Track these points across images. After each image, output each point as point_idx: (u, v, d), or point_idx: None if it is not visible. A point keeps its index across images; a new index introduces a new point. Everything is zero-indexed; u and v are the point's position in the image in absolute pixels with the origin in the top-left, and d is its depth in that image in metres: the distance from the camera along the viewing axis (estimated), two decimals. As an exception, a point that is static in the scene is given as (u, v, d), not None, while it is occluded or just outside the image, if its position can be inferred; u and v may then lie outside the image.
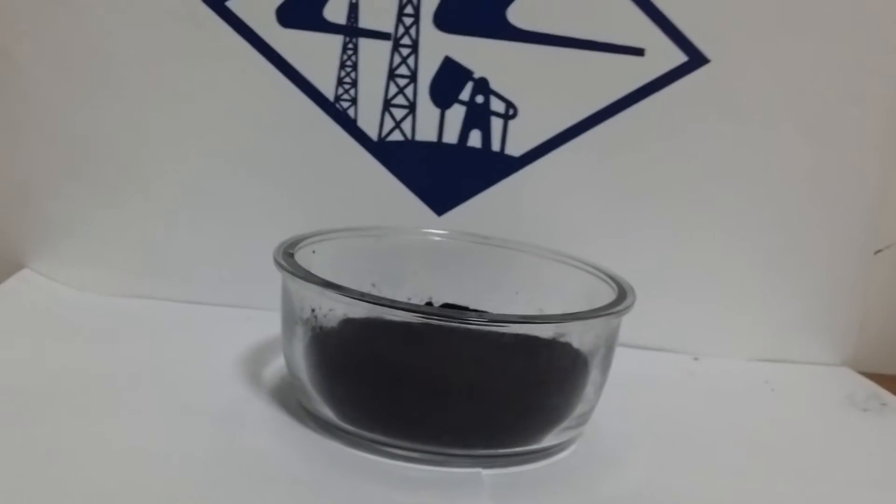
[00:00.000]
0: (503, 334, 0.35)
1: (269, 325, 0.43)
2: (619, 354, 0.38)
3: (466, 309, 0.41)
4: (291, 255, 0.37)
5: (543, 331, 0.35)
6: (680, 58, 0.46)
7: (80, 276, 0.48)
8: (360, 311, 0.35)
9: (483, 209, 0.48)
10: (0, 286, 0.46)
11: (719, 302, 0.49)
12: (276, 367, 0.41)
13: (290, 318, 0.37)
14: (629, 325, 0.38)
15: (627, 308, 0.36)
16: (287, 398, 0.38)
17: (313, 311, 0.36)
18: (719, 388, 0.46)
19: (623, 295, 0.38)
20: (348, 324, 0.35)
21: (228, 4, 0.45)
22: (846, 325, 0.50)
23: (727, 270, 0.49)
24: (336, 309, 0.35)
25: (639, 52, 0.46)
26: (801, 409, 0.44)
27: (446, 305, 0.42)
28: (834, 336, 0.50)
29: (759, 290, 0.49)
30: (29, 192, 0.48)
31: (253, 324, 0.45)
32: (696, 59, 0.46)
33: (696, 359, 0.49)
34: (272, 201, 0.47)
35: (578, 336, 0.36)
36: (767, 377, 0.47)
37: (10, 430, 0.33)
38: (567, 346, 0.35)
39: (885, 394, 0.46)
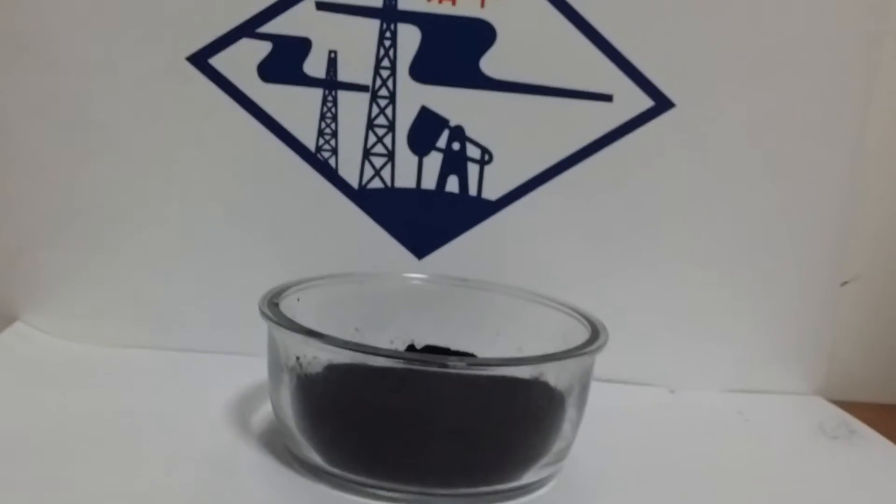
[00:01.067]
0: (481, 376, 0.36)
1: (258, 370, 0.44)
2: (598, 389, 0.40)
3: (447, 351, 0.43)
4: (276, 305, 0.39)
5: (521, 372, 0.36)
6: (647, 102, 0.48)
7: (72, 328, 0.49)
8: (344, 357, 0.36)
9: (462, 252, 0.49)
10: (-7, 339, 0.48)
11: (694, 335, 0.51)
12: (264, 412, 0.42)
13: (276, 365, 0.38)
14: (607, 360, 0.39)
15: (600, 347, 0.38)
16: (275, 443, 0.39)
17: (298, 358, 0.37)
18: (694, 420, 0.47)
19: (596, 334, 0.39)
20: (332, 370, 0.37)
21: (212, 62, 0.47)
22: (816, 355, 0.51)
23: (700, 305, 0.50)
24: (320, 356, 0.36)
25: (607, 98, 0.48)
26: (773, 438, 0.46)
27: (428, 348, 0.44)
28: (805, 366, 0.51)
29: (732, 323, 0.51)
30: (21, 247, 0.49)
31: (242, 369, 0.46)
32: (662, 104, 0.48)
33: (672, 391, 0.50)
34: (258, 250, 0.49)
35: (555, 375, 0.37)
36: (741, 407, 0.49)
37: (8, 477, 0.34)
38: (544, 385, 0.37)
39: (853, 421, 0.48)
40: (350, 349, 0.35)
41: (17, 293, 0.49)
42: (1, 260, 0.49)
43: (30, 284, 0.49)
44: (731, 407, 0.49)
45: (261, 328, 0.40)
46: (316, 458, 0.37)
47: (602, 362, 0.39)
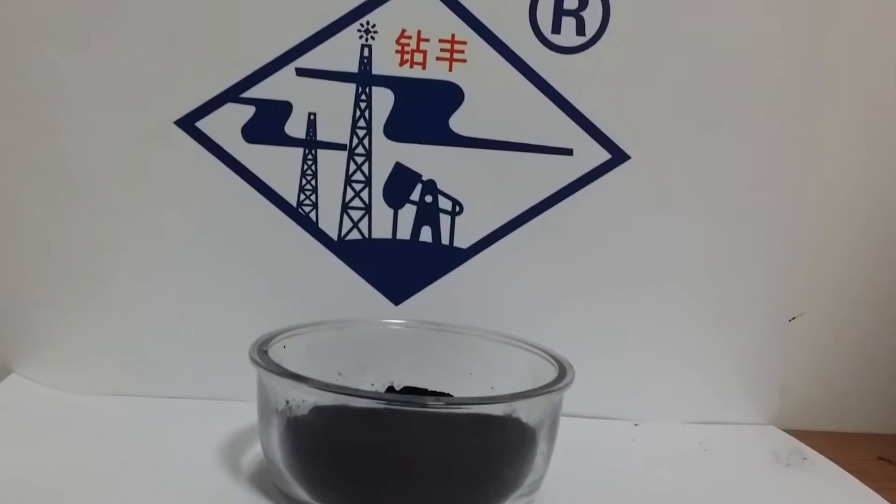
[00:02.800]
0: (458, 415, 0.39)
1: (246, 415, 0.46)
2: (568, 424, 0.42)
3: (425, 392, 0.45)
4: (265, 352, 0.41)
5: (494, 409, 0.39)
6: (604, 155, 0.52)
7: (65, 378, 0.51)
8: (329, 399, 0.39)
9: (437, 297, 0.52)
10: (-10, 391, 0.50)
11: (656, 372, 0.54)
12: (253, 454, 0.45)
13: (266, 409, 0.41)
14: (576, 396, 0.42)
15: (567, 385, 0.41)
16: (265, 483, 0.42)
17: (287, 402, 0.40)
18: (658, 450, 0.50)
19: (563, 373, 0.42)
20: (319, 412, 0.39)
21: (198, 125, 0.50)
22: (769, 388, 0.55)
23: (661, 343, 0.53)
24: (308, 399, 0.39)
25: (568, 151, 0.52)
26: (731, 466, 0.49)
27: (407, 388, 0.47)
28: (759, 398, 0.55)
29: (691, 360, 0.54)
30: (13, 302, 0.51)
31: (231, 415, 0.48)
32: (618, 157, 0.52)
33: (636, 424, 0.53)
34: (244, 300, 0.51)
35: (526, 412, 0.40)
36: (701, 438, 0.52)
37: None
38: (516, 421, 0.40)
39: (806, 449, 0.51)
40: (336, 392, 0.38)
41: (11, 346, 0.51)
42: (-5, 316, 0.51)
43: (23, 338, 0.51)
44: (691, 437, 0.52)
45: (245, 374, 0.42)
46: (304, 495, 0.39)
47: (570, 399, 0.42)
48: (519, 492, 0.40)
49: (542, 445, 0.41)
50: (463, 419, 0.39)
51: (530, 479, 0.41)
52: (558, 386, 0.41)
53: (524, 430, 0.40)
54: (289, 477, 0.40)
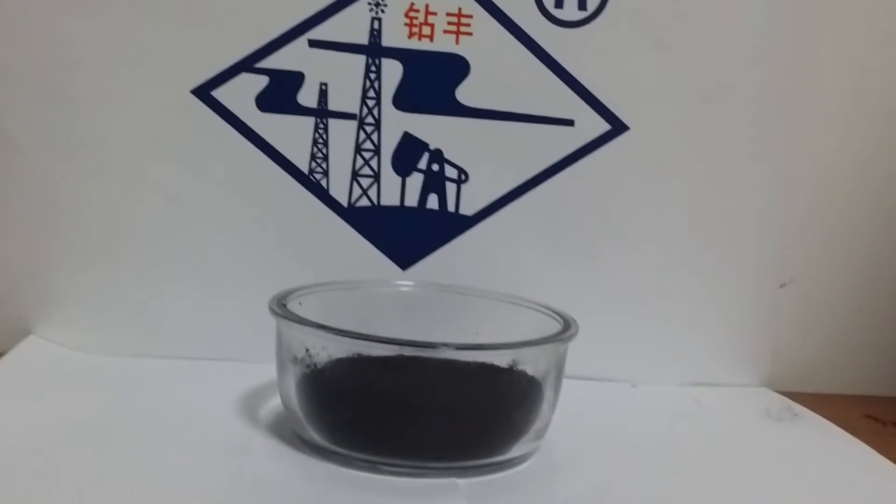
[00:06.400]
0: (470, 363, 0.41)
1: (259, 374, 0.49)
2: (568, 385, 0.44)
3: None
4: (284, 305, 0.43)
5: (502, 356, 0.41)
6: (604, 126, 0.54)
7: (83, 340, 0.52)
8: (347, 347, 0.41)
9: (442, 262, 0.54)
10: (10, 352, 0.51)
11: (652, 335, 0.56)
12: (270, 406, 0.46)
13: (284, 358, 0.43)
14: (576, 358, 0.44)
15: (572, 336, 0.43)
16: (283, 431, 0.44)
17: (307, 350, 0.41)
18: (655, 408, 0.52)
19: (568, 326, 0.44)
20: (337, 361, 0.41)
21: (214, 94, 0.52)
22: (761, 351, 0.57)
23: (658, 308, 0.55)
24: (328, 347, 0.41)
25: (569, 122, 0.54)
26: (724, 421, 0.51)
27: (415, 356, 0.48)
28: (751, 360, 0.57)
29: (686, 324, 0.56)
30: (33, 265, 0.53)
31: (244, 374, 0.50)
32: (617, 127, 0.54)
33: (634, 385, 0.55)
34: (257, 264, 0.53)
35: (532, 362, 0.42)
36: (696, 397, 0.54)
37: (39, 472, 0.38)
38: (524, 370, 0.42)
39: (797, 406, 0.53)
40: (353, 338, 0.40)
41: (31, 308, 0.53)
42: (15, 278, 0.53)
43: (42, 300, 0.53)
44: (686, 397, 0.54)
45: (259, 336, 0.44)
46: (322, 439, 0.41)
47: (571, 361, 0.44)
48: (526, 437, 0.42)
49: (548, 393, 0.43)
50: (473, 367, 0.41)
51: (537, 425, 0.43)
52: (564, 336, 0.43)
53: (531, 377, 0.42)
54: (306, 423, 0.42)
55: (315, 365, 0.41)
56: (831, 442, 0.49)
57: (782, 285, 0.57)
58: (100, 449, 0.40)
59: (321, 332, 0.40)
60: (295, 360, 0.42)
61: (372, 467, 0.40)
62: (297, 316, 0.42)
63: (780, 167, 0.56)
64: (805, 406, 0.53)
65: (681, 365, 0.56)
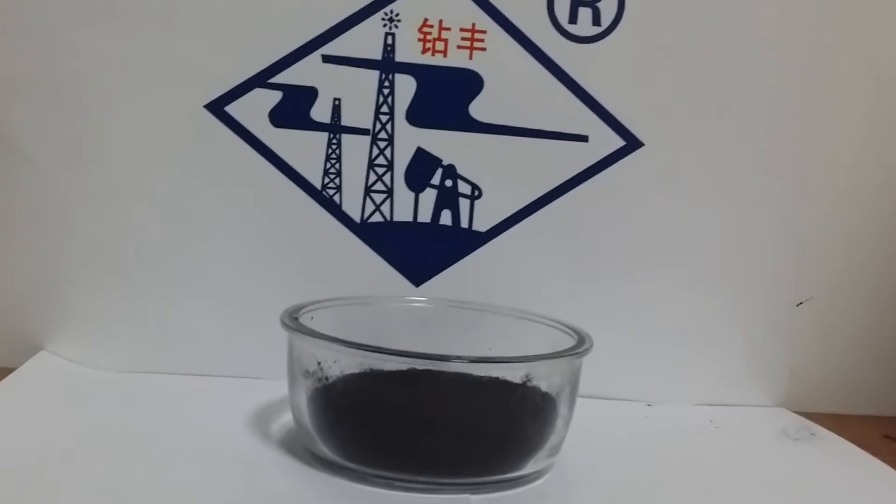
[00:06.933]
0: (483, 378, 0.41)
1: (269, 390, 0.49)
2: (582, 404, 0.44)
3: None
4: (296, 319, 0.43)
5: (516, 372, 0.41)
6: (619, 142, 0.53)
7: (94, 355, 0.52)
8: (359, 362, 0.40)
9: (456, 279, 0.54)
10: (21, 367, 0.51)
11: (668, 355, 0.55)
12: (281, 422, 0.46)
13: (296, 372, 0.42)
14: (590, 377, 0.44)
15: (587, 350, 0.43)
16: (294, 446, 0.43)
17: (319, 363, 0.41)
18: (670, 427, 0.51)
19: (582, 341, 0.44)
20: (349, 374, 0.41)
21: (227, 109, 0.52)
22: (777, 371, 0.56)
23: (672, 326, 0.55)
24: (340, 360, 0.41)
25: (583, 138, 0.53)
26: (741, 440, 0.50)
27: (427, 370, 0.48)
28: (767, 380, 0.56)
29: (702, 343, 0.55)
30: (44, 281, 0.53)
31: (254, 390, 0.50)
32: (632, 143, 0.54)
33: (649, 405, 0.55)
34: (268, 280, 0.52)
35: (546, 377, 0.41)
36: (712, 417, 0.53)
37: (53, 483, 0.38)
38: (538, 386, 0.41)
39: (814, 426, 0.52)
40: (367, 351, 0.40)
41: (42, 324, 0.53)
42: (27, 294, 0.53)
43: (53, 315, 0.53)
44: (702, 417, 0.53)
45: (271, 353, 0.44)
46: (333, 454, 0.41)
47: (585, 379, 0.44)
48: (540, 453, 0.42)
49: (562, 409, 0.42)
50: (486, 382, 0.41)
51: (551, 441, 0.42)
52: (578, 350, 0.42)
53: (545, 392, 0.41)
54: (317, 438, 0.41)
55: (327, 378, 0.41)
56: (851, 461, 0.48)
57: (799, 304, 0.57)
58: (109, 463, 0.40)
59: (333, 345, 0.40)
60: (306, 373, 0.42)
61: (384, 483, 0.40)
62: (309, 329, 0.42)
63: (796, 182, 0.55)
64: (822, 426, 0.53)
65: (696, 384, 0.56)
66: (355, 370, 0.41)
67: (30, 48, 0.51)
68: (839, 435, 0.51)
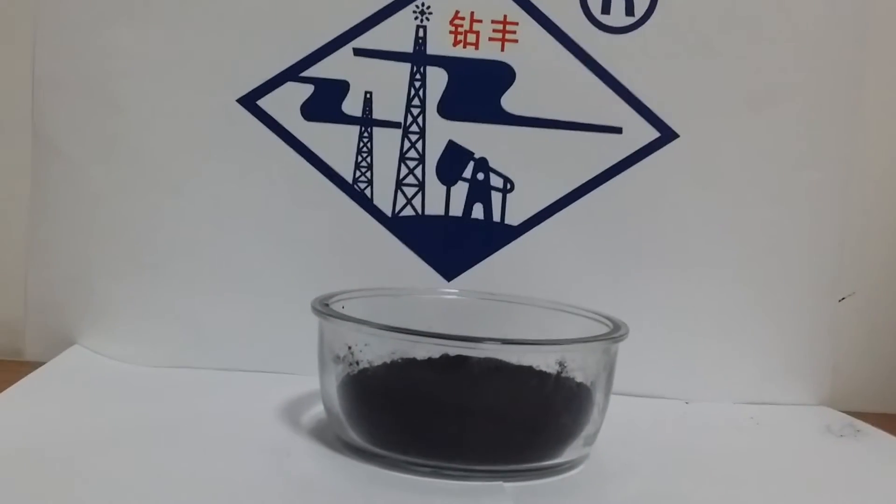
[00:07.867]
0: (516, 365, 0.40)
1: (299, 384, 0.48)
2: (618, 401, 0.43)
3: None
4: (327, 305, 0.43)
5: (550, 357, 0.40)
6: (653, 134, 0.53)
7: (126, 350, 0.52)
8: (389, 348, 0.40)
9: (488, 273, 0.53)
10: (53, 360, 0.51)
11: (706, 351, 0.54)
12: (312, 413, 0.46)
13: (326, 357, 0.42)
14: (626, 374, 0.43)
15: (622, 336, 0.42)
16: (325, 434, 0.43)
17: (350, 348, 0.41)
18: (709, 424, 0.50)
19: (617, 328, 0.43)
20: (379, 360, 0.40)
21: (259, 103, 0.52)
22: (820, 368, 0.54)
23: (710, 322, 0.54)
24: (371, 344, 0.40)
25: (617, 130, 0.53)
26: (783, 436, 0.49)
27: (461, 357, 0.47)
28: (810, 378, 0.54)
29: (741, 340, 0.54)
30: (78, 275, 0.53)
31: (284, 384, 0.49)
32: (667, 135, 0.53)
33: (687, 402, 0.53)
34: (299, 274, 0.52)
35: (582, 365, 0.40)
36: (752, 414, 0.52)
37: (89, 468, 0.37)
38: (572, 375, 0.40)
39: (859, 423, 0.51)
40: (397, 333, 0.39)
41: (75, 318, 0.53)
42: (60, 288, 0.53)
43: (86, 310, 0.53)
44: (742, 414, 0.52)
45: (301, 348, 0.44)
46: (364, 441, 0.40)
47: (621, 376, 0.43)
48: (576, 443, 0.41)
49: (598, 397, 0.41)
50: (520, 369, 0.40)
51: (587, 430, 0.41)
52: (614, 335, 0.41)
53: (580, 381, 0.41)
54: (347, 424, 0.41)
55: (357, 364, 0.40)
56: (897, 457, 0.47)
57: (841, 299, 0.55)
58: (141, 451, 0.40)
59: (363, 328, 0.40)
60: (337, 358, 0.41)
61: (415, 469, 0.39)
62: (339, 312, 0.41)
63: (836, 174, 0.54)
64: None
65: (736, 382, 0.54)
66: (386, 355, 0.40)
67: (63, 46, 0.51)
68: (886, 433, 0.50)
